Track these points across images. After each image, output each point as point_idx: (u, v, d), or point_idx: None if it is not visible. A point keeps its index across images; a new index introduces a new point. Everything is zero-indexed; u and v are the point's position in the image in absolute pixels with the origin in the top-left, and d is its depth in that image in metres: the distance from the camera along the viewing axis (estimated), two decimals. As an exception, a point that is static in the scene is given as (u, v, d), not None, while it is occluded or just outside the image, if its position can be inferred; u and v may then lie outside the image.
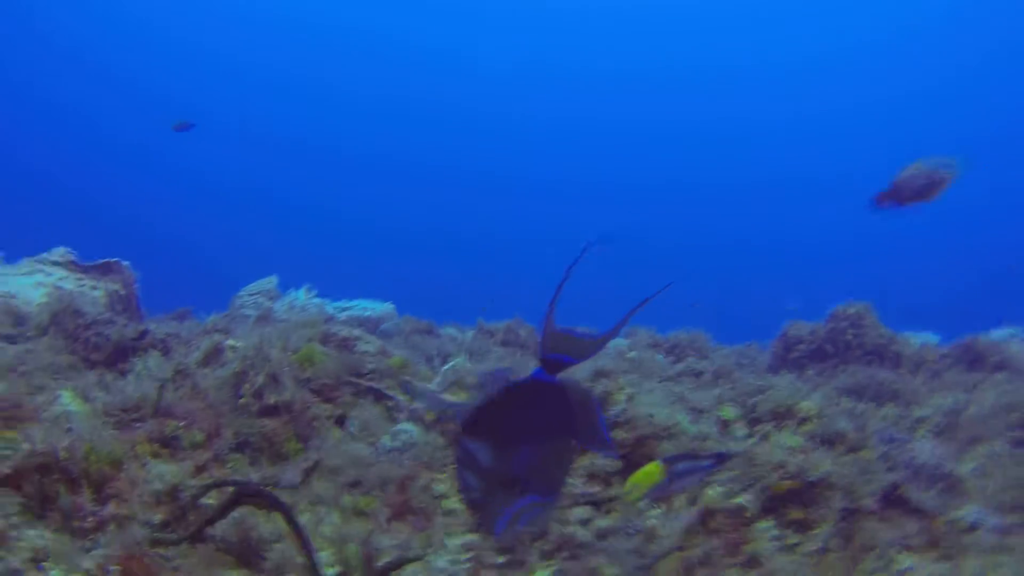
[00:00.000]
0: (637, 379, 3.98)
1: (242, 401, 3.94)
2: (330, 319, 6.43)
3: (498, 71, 43.70)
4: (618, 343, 7.47)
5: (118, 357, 5.30)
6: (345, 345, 4.92)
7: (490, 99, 44.65)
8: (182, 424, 3.58)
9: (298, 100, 44.67)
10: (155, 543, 2.18)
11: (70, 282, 6.53)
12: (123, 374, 4.35)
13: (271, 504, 2.09)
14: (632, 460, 3.55)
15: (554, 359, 2.11)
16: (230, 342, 4.47)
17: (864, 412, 3.96)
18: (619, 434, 3.49)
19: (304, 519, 2.78)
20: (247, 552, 2.29)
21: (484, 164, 45.44)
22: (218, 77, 42.18)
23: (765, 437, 3.69)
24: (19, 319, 5.48)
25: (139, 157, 40.57)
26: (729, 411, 4.10)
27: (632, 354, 6.58)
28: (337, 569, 2.41)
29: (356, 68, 44.28)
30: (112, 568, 2.08)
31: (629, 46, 41.87)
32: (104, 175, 41.46)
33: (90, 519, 2.44)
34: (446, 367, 4.14)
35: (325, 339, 4.90)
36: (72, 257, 6.77)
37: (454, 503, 3.38)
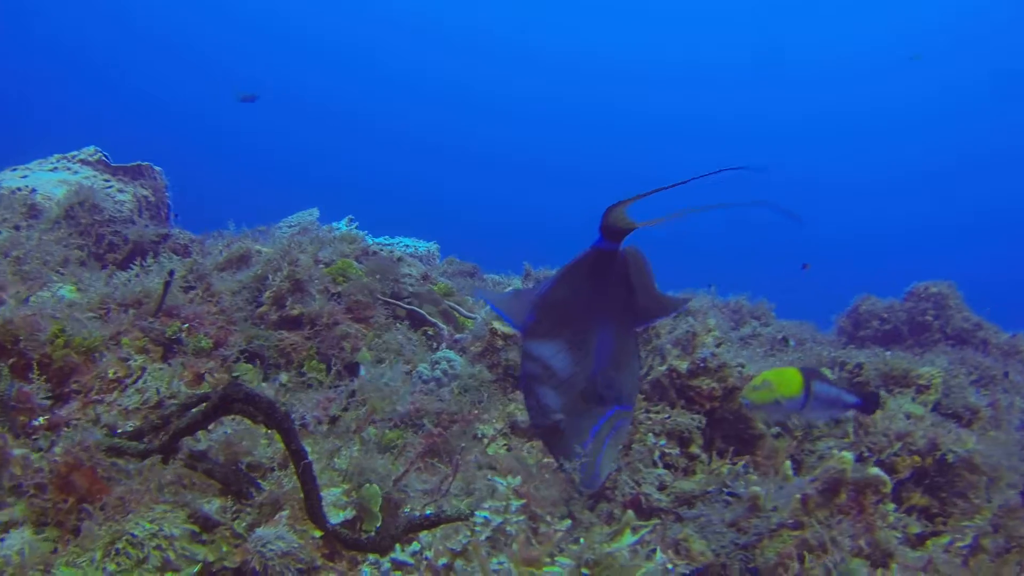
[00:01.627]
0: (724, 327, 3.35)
1: (261, 309, 3.39)
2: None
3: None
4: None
5: (135, 259, 4.81)
6: (386, 266, 4.35)
7: (544, 86, 44.38)
8: (186, 326, 3.04)
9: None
10: (112, 452, 1.63)
11: (96, 183, 6.04)
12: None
13: (267, 417, 1.53)
14: (717, 417, 2.94)
15: (615, 227, 1.90)
16: (258, 247, 3.93)
17: (993, 388, 3.28)
18: (705, 383, 2.87)
19: (314, 447, 2.22)
20: (234, 478, 1.73)
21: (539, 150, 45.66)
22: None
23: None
24: (34, 212, 4.98)
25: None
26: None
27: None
28: (349, 513, 1.84)
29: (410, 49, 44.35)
30: (45, 478, 1.53)
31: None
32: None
33: (42, 418, 1.90)
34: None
35: (363, 256, 4.33)
36: (103, 157, 6.27)
37: (500, 448, 2.80)
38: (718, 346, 3.01)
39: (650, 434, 2.73)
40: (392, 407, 2.35)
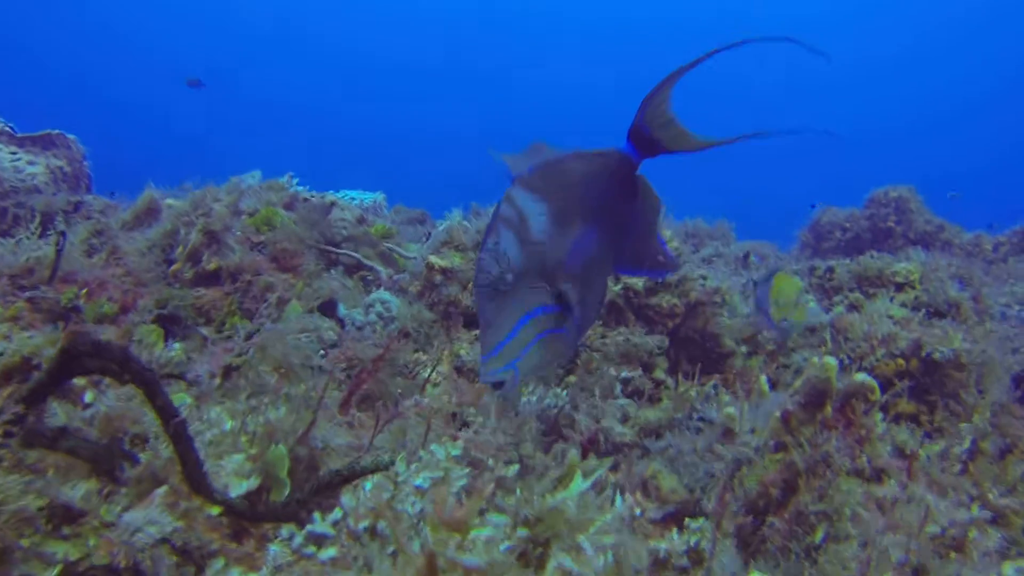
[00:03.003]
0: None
1: (174, 268, 3.06)
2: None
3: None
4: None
5: (46, 232, 4.43)
6: (317, 211, 4.01)
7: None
8: (84, 291, 2.71)
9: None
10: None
11: (2, 156, 5.59)
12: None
13: (123, 368, 1.22)
14: (681, 336, 2.68)
15: (648, 137, 1.62)
16: (168, 200, 3.56)
17: (972, 279, 3.05)
18: (665, 299, 2.61)
19: (230, 406, 1.92)
20: (105, 455, 1.42)
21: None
22: None
23: (855, 307, 2.81)
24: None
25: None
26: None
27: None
28: (254, 481, 1.55)
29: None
30: None
31: None
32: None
33: None
34: (440, 227, 3.23)
35: (292, 204, 3.99)
36: (6, 127, 5.81)
37: (442, 396, 2.52)
38: (678, 257, 2.74)
39: (610, 367, 2.47)
40: (299, 357, 2.05)
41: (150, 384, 1.22)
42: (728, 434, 1.83)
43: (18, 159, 5.64)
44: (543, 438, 2.09)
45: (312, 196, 4.40)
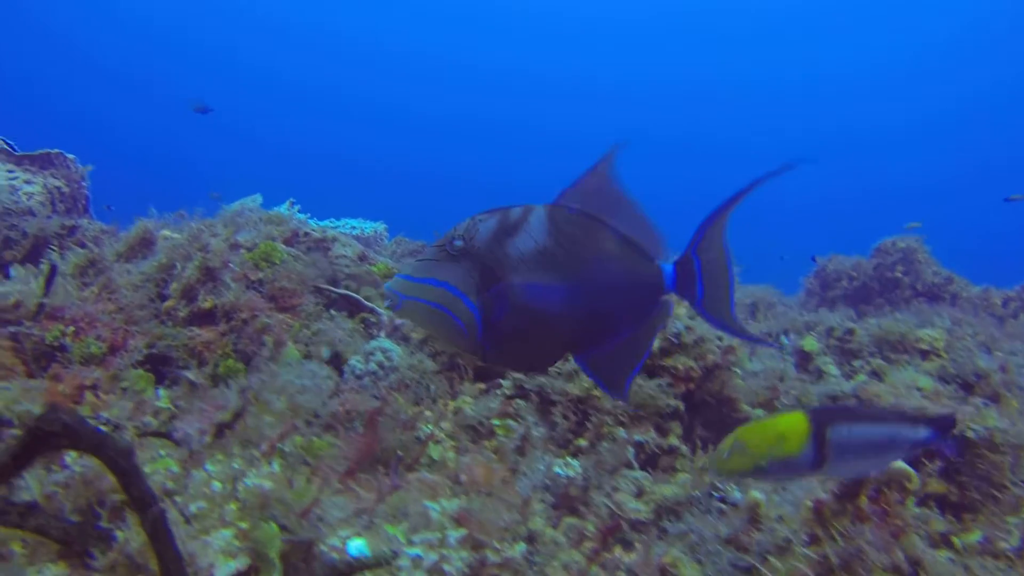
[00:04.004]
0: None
1: (167, 304, 2.93)
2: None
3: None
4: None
5: (38, 256, 4.31)
6: (318, 247, 3.89)
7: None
8: (69, 330, 2.58)
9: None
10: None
11: None
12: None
13: (97, 454, 1.10)
14: (696, 400, 2.55)
15: (692, 273, 1.45)
16: (165, 232, 3.45)
17: (997, 346, 2.93)
18: (681, 361, 2.49)
19: (219, 469, 1.79)
20: (77, 534, 1.29)
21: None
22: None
23: (878, 374, 2.69)
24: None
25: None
26: (812, 342, 3.08)
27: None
28: (242, 562, 1.42)
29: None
30: None
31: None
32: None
33: None
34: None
35: (292, 239, 3.87)
36: (4, 145, 5.69)
37: (448, 450, 2.39)
38: (692, 318, 2.62)
39: (619, 427, 2.34)
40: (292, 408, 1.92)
41: (126, 473, 1.09)
42: (753, 521, 1.70)
43: (15, 178, 5.52)
44: (553, 511, 1.96)
45: (314, 229, 4.29)
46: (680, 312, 2.63)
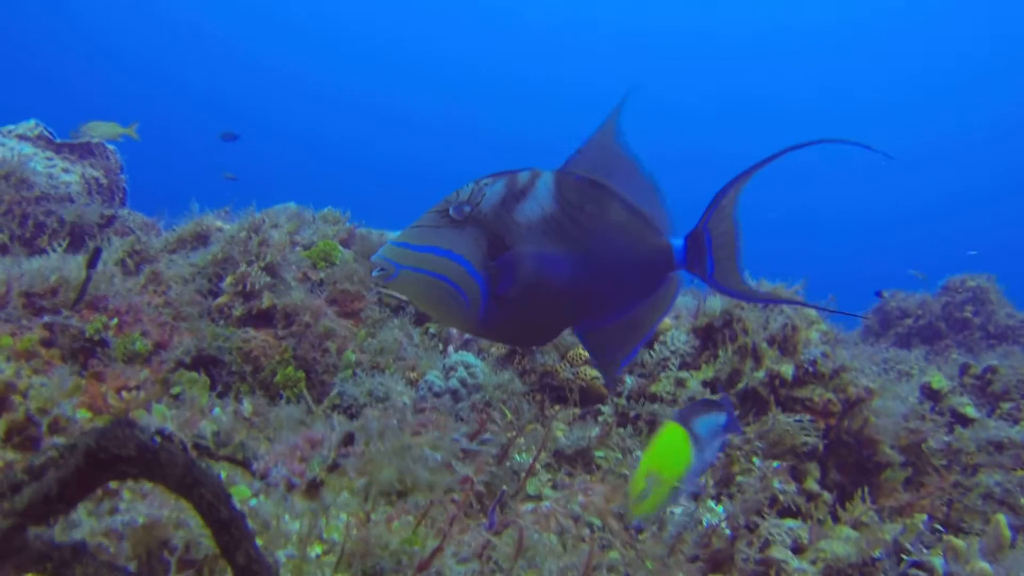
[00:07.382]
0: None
1: (220, 300, 2.60)
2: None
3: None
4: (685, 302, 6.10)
5: (75, 244, 4.01)
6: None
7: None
8: (114, 322, 2.25)
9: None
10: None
11: (37, 162, 5.21)
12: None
13: (183, 491, 0.76)
14: (832, 438, 2.19)
15: (703, 248, 1.38)
16: (219, 223, 3.12)
17: None
18: (818, 393, 2.13)
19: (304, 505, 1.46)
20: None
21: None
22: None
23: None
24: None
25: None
26: (940, 379, 2.71)
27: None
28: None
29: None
30: None
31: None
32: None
33: None
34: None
35: (349, 240, 3.54)
36: (45, 131, 5.44)
37: (545, 485, 2.03)
38: (827, 343, 2.27)
39: (755, 456, 1.99)
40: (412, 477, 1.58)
41: (227, 527, 0.74)
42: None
43: (53, 165, 5.26)
44: (691, 564, 1.60)
45: (370, 232, 3.96)
46: (813, 337, 2.27)
